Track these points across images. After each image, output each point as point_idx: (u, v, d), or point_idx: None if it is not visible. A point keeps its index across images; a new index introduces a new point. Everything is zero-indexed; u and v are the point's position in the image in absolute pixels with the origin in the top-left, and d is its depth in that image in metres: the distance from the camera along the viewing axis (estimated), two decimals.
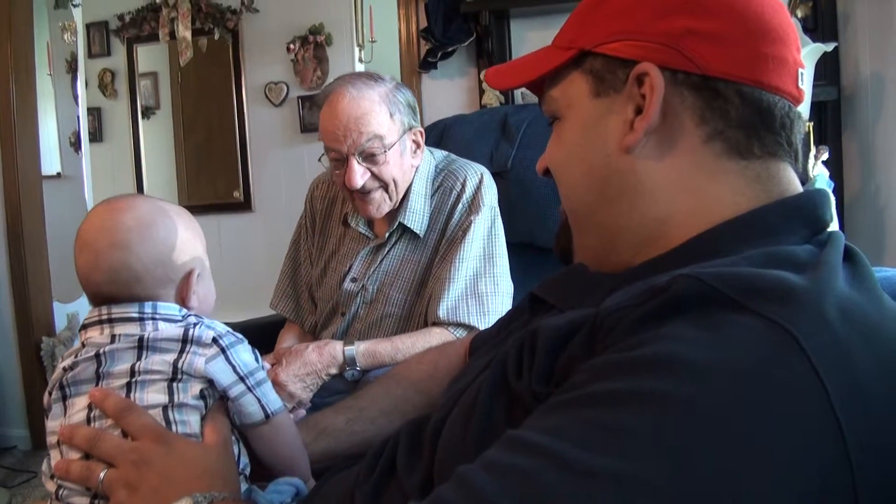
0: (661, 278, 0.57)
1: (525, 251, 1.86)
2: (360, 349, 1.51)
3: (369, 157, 1.53)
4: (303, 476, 0.92)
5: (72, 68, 3.48)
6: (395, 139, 1.54)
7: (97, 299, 0.87)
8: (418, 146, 1.63)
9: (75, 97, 3.54)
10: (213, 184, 4.05)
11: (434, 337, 1.52)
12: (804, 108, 0.75)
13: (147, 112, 4.10)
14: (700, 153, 0.67)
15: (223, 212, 3.92)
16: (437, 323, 1.54)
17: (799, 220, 0.65)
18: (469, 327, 1.53)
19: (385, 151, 1.53)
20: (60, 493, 0.80)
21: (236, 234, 3.90)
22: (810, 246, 0.62)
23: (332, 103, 1.52)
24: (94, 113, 4.03)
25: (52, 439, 0.84)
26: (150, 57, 4.04)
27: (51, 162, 3.59)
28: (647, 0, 0.69)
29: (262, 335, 1.85)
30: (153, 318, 0.85)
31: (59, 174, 3.86)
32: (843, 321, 0.52)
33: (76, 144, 3.59)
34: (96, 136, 4.05)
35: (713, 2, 0.67)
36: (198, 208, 3.81)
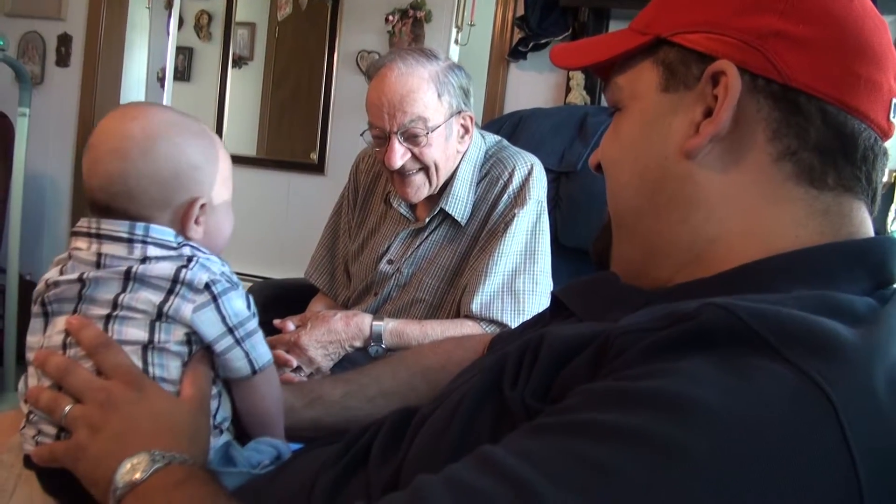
0: (691, 304, 0.50)
1: (579, 257, 1.78)
2: (388, 326, 1.47)
3: (411, 138, 1.47)
4: (276, 436, 0.86)
5: (169, 4, 3.51)
6: (440, 121, 1.48)
7: (92, 207, 0.82)
8: (466, 131, 1.56)
9: (169, 34, 3.58)
10: (292, 141, 4.05)
11: (465, 329, 1.46)
12: (891, 154, 0.67)
13: (239, 61, 4.12)
14: (767, 172, 0.59)
15: (295, 170, 3.92)
16: (470, 316, 1.48)
17: (863, 267, 0.57)
18: (502, 325, 1.47)
19: (428, 133, 1.46)
20: (31, 417, 0.78)
21: (305, 195, 3.89)
22: (871, 299, 0.54)
23: (380, 76, 1.47)
24: (186, 52, 4.06)
25: (30, 356, 0.80)
26: (248, 6, 4.05)
27: (136, 93, 3.65)
28: None
29: (304, 296, 1.83)
30: (144, 241, 0.79)
31: None
32: (891, 393, 0.44)
33: (163, 80, 3.64)
34: (184, 75, 4.09)
35: (809, 5, 0.59)
36: (272, 163, 3.87)
